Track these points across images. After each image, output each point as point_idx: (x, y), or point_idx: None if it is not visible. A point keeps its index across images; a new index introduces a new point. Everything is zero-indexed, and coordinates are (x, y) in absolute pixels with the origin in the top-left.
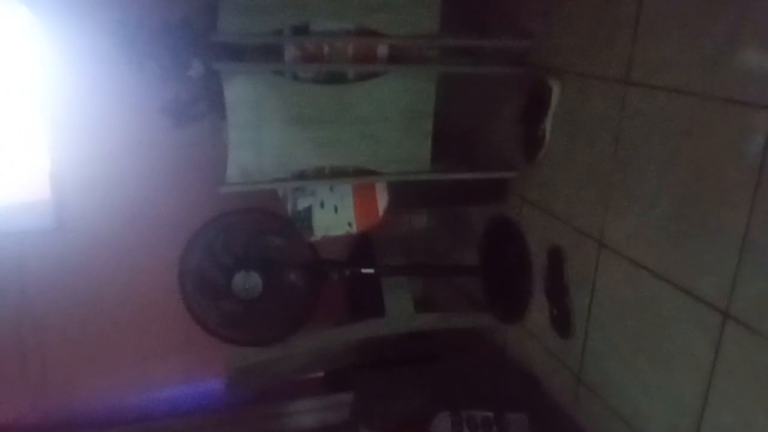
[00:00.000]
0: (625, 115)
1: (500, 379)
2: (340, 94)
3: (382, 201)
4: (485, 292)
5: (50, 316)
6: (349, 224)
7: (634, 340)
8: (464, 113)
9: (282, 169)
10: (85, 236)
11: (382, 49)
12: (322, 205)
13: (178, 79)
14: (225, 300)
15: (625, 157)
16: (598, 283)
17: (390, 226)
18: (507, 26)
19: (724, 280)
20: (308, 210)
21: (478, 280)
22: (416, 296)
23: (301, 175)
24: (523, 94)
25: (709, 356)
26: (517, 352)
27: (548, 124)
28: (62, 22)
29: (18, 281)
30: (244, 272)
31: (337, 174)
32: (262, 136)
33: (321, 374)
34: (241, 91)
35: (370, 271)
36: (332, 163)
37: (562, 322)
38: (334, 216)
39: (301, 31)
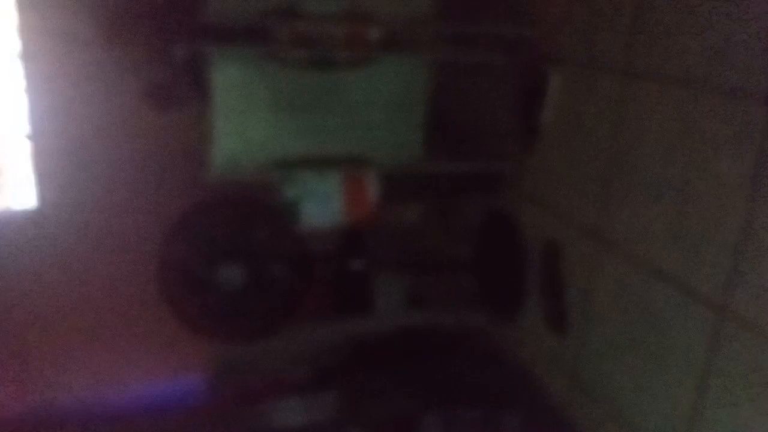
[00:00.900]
0: (624, 107)
1: (493, 378)
2: (330, 81)
3: (372, 191)
4: (479, 288)
5: (28, 308)
6: (339, 215)
7: (630, 336)
8: (459, 102)
9: (269, 156)
10: (64, 224)
11: (375, 33)
12: (310, 195)
13: (163, 63)
14: (208, 293)
15: (623, 149)
16: (594, 280)
17: (381, 218)
18: (504, 14)
19: (720, 276)
20: (296, 199)
21: (472, 276)
22: (407, 292)
23: (289, 164)
24: (519, 83)
25: (705, 353)
26: (510, 349)
27: (545, 115)
28: (44, 5)
29: None
30: (227, 264)
31: (326, 162)
32: (249, 122)
33: (307, 372)
34: (227, 75)
35: (360, 264)
36: (321, 151)
37: (557, 320)
38: (323, 206)
39: (291, 13)
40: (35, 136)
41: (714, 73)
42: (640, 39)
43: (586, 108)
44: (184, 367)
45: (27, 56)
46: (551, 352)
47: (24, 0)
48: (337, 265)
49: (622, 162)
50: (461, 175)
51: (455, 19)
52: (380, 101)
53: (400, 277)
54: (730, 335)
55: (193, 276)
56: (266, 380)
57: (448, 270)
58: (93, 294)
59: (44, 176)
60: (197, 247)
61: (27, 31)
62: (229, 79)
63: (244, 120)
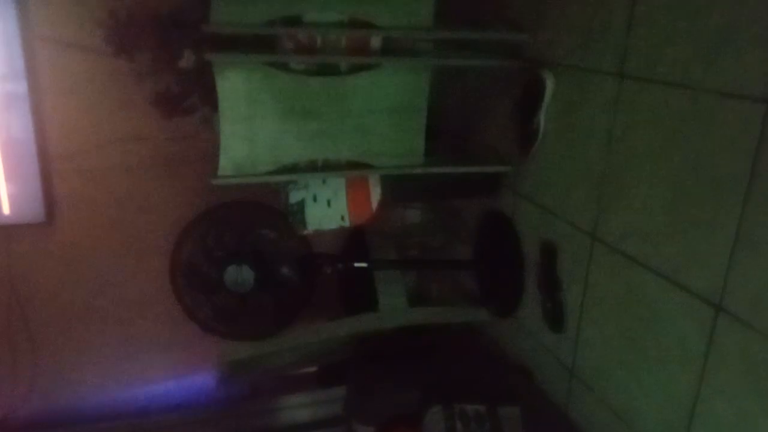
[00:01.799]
0: (619, 109)
1: (493, 373)
2: (333, 87)
3: (375, 194)
4: (479, 286)
5: (40, 311)
6: (342, 218)
7: (627, 334)
8: (458, 107)
9: (274, 162)
10: (75, 230)
11: (376, 41)
12: (315, 199)
13: (170, 71)
14: (217, 294)
15: (618, 151)
16: (591, 278)
17: (383, 220)
18: (501, 19)
19: (717, 274)
20: (301, 203)
21: (472, 275)
22: (409, 290)
23: (294, 168)
24: (517, 87)
25: (702, 350)
26: (510, 346)
27: (542, 118)
28: (51, 13)
29: (7, 276)
30: (236, 266)
31: (330, 167)
32: (255, 128)
33: (314, 369)
34: (233, 83)
35: (363, 265)
36: (325, 156)
37: (555, 316)
38: (327, 209)
39: (294, 22)
40: (41, 144)
41: (709, 74)
42: (635, 41)
43: (582, 110)
44: (196, 365)
45: (34, 65)
46: (549, 348)
47: (31, 9)
48: (341, 265)
49: (618, 162)
50: (461, 178)
51: (454, 26)
52: (382, 106)
53: (402, 276)
54: (727, 332)
55: (204, 277)
56: (274, 377)
57: (449, 269)
58: (105, 297)
59: (54, 183)
60: (207, 250)
61: (34, 40)
62: (236, 87)
63: (250, 126)
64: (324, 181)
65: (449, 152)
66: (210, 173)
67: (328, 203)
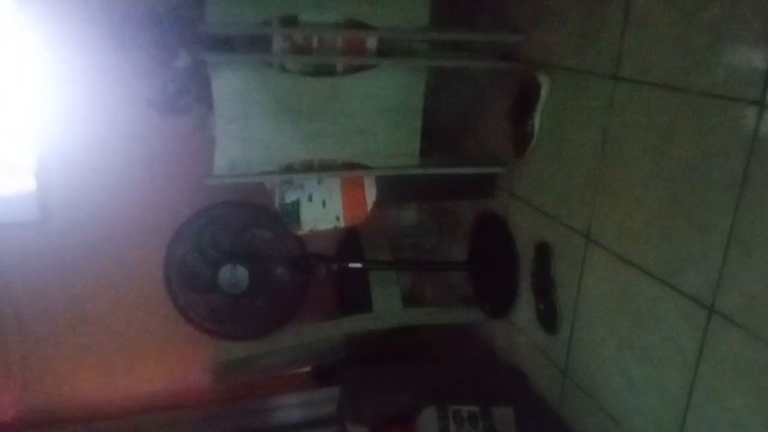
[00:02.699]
0: (614, 111)
1: (487, 374)
2: (329, 87)
3: (370, 195)
4: (473, 287)
5: (34, 310)
6: (337, 218)
7: (620, 335)
8: (453, 108)
9: (270, 162)
10: (69, 229)
11: (372, 42)
12: (310, 199)
13: (165, 70)
14: (211, 294)
15: (613, 152)
16: (585, 279)
17: (378, 220)
18: (496, 21)
19: (709, 275)
20: (296, 203)
21: (466, 276)
22: (404, 291)
23: (289, 169)
24: (512, 89)
25: (695, 351)
26: (503, 347)
27: (537, 120)
28: (48, 12)
29: (1, 274)
30: (230, 266)
31: (325, 167)
32: (250, 128)
33: (308, 369)
34: (228, 82)
35: (358, 265)
36: (320, 156)
37: (548, 318)
38: (322, 210)
39: (290, 22)
40: (37, 144)
41: (702, 76)
42: (630, 43)
43: (576, 112)
44: (190, 365)
45: (30, 63)
46: (543, 349)
47: (28, 6)
48: (336, 265)
49: (612, 165)
50: (456, 178)
51: (449, 28)
52: (378, 107)
53: (397, 277)
54: (720, 334)
55: (198, 277)
56: (268, 378)
57: (444, 270)
58: (97, 297)
59: (49, 182)
60: (201, 250)
61: (30, 37)
62: (231, 87)
63: (246, 126)
64: (319, 182)
65: (445, 153)
66: (205, 173)
67: (324, 203)
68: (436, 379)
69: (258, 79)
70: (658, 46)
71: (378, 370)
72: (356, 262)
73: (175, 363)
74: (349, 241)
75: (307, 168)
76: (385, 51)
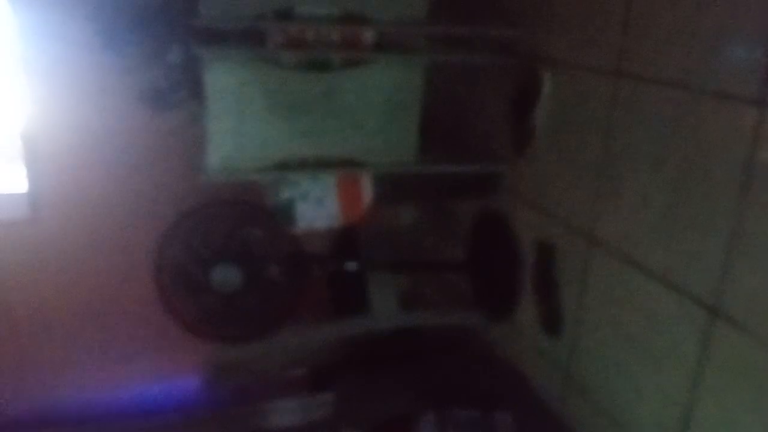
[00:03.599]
0: (616, 108)
1: (487, 378)
2: (325, 83)
3: (367, 193)
4: (473, 288)
5: (24, 310)
6: (333, 217)
7: (623, 337)
8: (453, 104)
9: (264, 159)
10: (60, 227)
11: (368, 36)
12: (305, 197)
13: (157, 65)
14: (203, 294)
15: (615, 151)
16: (588, 280)
17: (375, 219)
18: (497, 16)
19: (713, 277)
20: (291, 201)
21: (466, 277)
22: (402, 292)
23: (284, 166)
24: (513, 85)
25: (697, 353)
26: (504, 349)
27: (538, 117)
28: (39, 7)
29: None
30: (223, 266)
31: (320, 164)
32: (244, 124)
33: (303, 372)
34: (222, 78)
35: (355, 266)
36: (316, 153)
37: (551, 320)
38: (318, 208)
39: (285, 15)
40: (29, 142)
41: (704, 75)
42: (632, 41)
43: (578, 110)
44: (181, 368)
45: (22, 59)
46: (545, 351)
47: (21, 3)
48: (332, 266)
49: (614, 163)
50: (455, 177)
51: (448, 22)
52: (375, 103)
53: (394, 278)
54: (722, 335)
55: (190, 278)
56: (262, 381)
57: (443, 271)
58: (89, 296)
59: (39, 180)
60: (193, 249)
61: (23, 33)
62: (225, 82)
63: (239, 122)
64: (314, 179)
65: (444, 151)
66: (197, 170)
67: (319, 201)
68: (435, 383)
69: (252, 74)
70: (660, 44)
71: (375, 373)
72: (352, 262)
73: (166, 365)
74: (346, 240)
75: (302, 165)
76: (382, 45)
